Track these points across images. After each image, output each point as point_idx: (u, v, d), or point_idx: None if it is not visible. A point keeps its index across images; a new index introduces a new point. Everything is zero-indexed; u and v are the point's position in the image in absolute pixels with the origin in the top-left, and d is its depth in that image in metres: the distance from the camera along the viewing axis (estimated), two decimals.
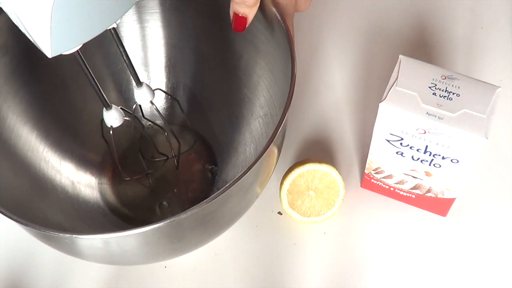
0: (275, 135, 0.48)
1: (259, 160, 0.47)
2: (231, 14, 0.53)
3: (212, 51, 0.62)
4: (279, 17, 0.53)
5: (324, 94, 0.69)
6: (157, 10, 0.62)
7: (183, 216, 0.44)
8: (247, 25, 0.53)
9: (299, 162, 0.60)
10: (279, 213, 0.62)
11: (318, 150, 0.66)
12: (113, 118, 0.53)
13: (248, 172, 0.46)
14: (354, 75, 0.71)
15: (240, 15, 0.52)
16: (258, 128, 0.60)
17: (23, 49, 0.56)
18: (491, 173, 0.63)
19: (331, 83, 0.70)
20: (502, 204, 0.62)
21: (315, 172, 0.59)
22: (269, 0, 0.53)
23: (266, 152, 0.47)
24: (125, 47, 0.51)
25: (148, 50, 0.64)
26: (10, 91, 0.57)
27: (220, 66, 0.62)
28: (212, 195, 0.45)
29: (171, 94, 0.63)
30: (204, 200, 0.45)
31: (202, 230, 0.51)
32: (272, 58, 0.56)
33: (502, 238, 0.60)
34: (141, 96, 0.55)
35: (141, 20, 0.63)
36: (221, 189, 0.45)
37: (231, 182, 0.45)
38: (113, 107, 0.53)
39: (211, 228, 0.52)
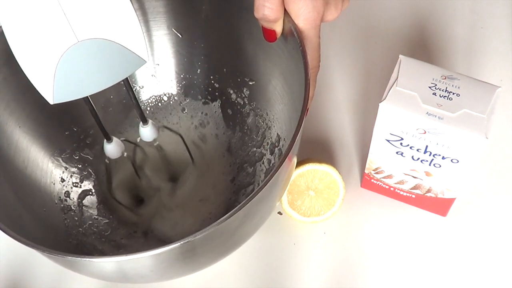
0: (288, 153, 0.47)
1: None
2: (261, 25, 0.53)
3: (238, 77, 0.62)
4: (299, 42, 0.51)
5: (324, 94, 0.69)
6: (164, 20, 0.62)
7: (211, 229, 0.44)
8: (277, 37, 0.53)
9: (299, 162, 0.60)
10: (279, 213, 0.62)
11: (318, 150, 0.66)
12: (112, 151, 0.55)
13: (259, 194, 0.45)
14: (354, 75, 0.70)
15: (267, 28, 0.52)
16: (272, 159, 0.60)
17: None
18: (491, 173, 0.63)
19: (331, 83, 0.70)
20: (502, 204, 0.62)
21: (315, 172, 0.59)
22: (289, 24, 0.52)
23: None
24: (134, 91, 0.52)
25: (157, 60, 0.64)
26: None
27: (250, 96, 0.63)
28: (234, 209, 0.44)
29: (175, 130, 0.63)
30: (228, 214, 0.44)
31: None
32: (295, 88, 0.56)
33: (502, 238, 0.60)
34: (146, 134, 0.56)
35: (148, 29, 0.62)
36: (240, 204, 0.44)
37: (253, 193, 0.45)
38: (114, 140, 0.54)
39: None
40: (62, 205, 0.59)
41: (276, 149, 0.60)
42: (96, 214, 0.60)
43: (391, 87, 0.52)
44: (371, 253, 0.60)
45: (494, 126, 0.50)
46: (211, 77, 0.64)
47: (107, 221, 0.60)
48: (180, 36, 0.62)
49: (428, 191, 0.58)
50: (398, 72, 0.52)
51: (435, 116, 0.50)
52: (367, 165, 0.59)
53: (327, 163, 0.60)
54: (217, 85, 0.64)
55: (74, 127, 0.62)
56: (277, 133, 0.60)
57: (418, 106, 0.50)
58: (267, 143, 0.61)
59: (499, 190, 0.62)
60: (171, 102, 0.65)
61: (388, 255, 0.59)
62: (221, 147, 0.64)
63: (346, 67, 0.71)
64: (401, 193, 0.60)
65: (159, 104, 0.65)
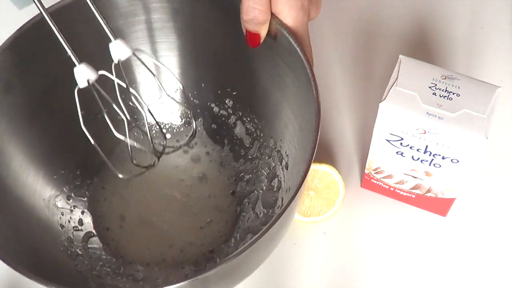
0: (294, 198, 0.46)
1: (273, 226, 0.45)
2: (244, 30, 0.52)
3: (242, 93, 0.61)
4: (291, 41, 0.51)
5: (324, 94, 0.69)
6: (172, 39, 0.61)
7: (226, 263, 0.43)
8: (261, 41, 0.52)
9: None
10: None
11: (318, 150, 0.65)
12: (85, 75, 0.47)
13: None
14: (354, 75, 0.70)
15: (252, 32, 0.52)
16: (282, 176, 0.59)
17: (28, 87, 0.55)
18: (491, 173, 0.63)
19: (331, 83, 0.70)
20: (502, 204, 0.62)
21: (315, 172, 0.59)
22: (276, 25, 0.52)
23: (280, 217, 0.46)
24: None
25: (163, 79, 0.63)
26: (14, 130, 0.55)
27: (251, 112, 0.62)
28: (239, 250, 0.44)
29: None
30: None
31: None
32: (287, 86, 0.55)
33: (502, 238, 0.60)
34: (115, 51, 0.48)
35: (154, 49, 0.61)
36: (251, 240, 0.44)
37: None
38: (83, 64, 0.47)
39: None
40: (69, 252, 0.57)
41: (274, 151, 0.59)
42: (104, 254, 0.59)
43: (391, 87, 0.52)
44: (371, 253, 0.60)
45: (494, 126, 0.50)
46: (190, 94, 0.63)
47: (115, 259, 0.58)
48: (153, 57, 0.58)
49: (428, 191, 0.58)
50: (398, 72, 0.52)
51: (435, 116, 0.50)
52: (367, 165, 0.59)
53: (327, 163, 0.60)
54: (197, 102, 0.63)
55: (61, 170, 0.59)
56: (271, 136, 0.59)
57: (418, 106, 0.50)
58: (262, 147, 0.60)
59: (499, 190, 0.62)
60: (153, 131, 0.64)
61: (388, 255, 0.59)
62: (214, 163, 0.63)
63: (346, 67, 0.71)
64: (401, 193, 0.60)
65: (141, 136, 0.63)
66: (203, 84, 0.62)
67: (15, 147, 0.55)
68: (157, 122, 0.53)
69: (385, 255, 0.59)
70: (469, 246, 0.60)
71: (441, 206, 0.60)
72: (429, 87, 0.51)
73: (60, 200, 0.59)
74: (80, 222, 0.59)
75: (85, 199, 0.60)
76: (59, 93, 0.52)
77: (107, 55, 0.49)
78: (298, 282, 0.58)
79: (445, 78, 0.52)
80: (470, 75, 0.54)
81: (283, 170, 0.57)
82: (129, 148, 0.51)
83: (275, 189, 0.58)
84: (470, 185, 0.62)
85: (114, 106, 0.49)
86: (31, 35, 0.53)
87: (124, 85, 0.49)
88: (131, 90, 0.49)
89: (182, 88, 0.53)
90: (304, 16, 0.52)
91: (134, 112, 0.59)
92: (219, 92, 0.62)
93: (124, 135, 0.48)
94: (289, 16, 0.51)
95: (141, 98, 0.50)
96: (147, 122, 0.53)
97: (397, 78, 0.52)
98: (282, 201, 0.56)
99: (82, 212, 0.60)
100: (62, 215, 0.59)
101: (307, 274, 0.59)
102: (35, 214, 0.56)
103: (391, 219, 0.61)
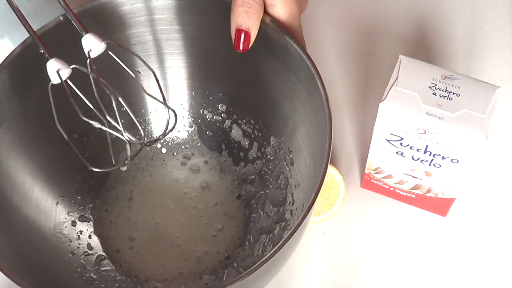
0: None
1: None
2: (233, 31, 0.51)
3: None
4: (288, 38, 0.51)
5: None
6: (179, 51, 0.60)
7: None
8: (251, 43, 0.51)
9: None
10: None
11: None
12: (57, 69, 0.46)
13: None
14: (354, 75, 0.70)
15: (243, 29, 0.50)
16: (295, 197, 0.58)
17: (21, 117, 0.54)
18: (491, 173, 0.63)
19: (331, 83, 0.70)
20: (502, 204, 0.62)
21: None
22: (271, 23, 0.51)
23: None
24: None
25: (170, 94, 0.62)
26: (8, 164, 0.54)
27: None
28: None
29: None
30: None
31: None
32: (297, 96, 0.54)
33: (502, 238, 0.60)
34: (87, 43, 0.48)
35: (162, 62, 0.60)
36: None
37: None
38: (53, 59, 0.46)
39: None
40: (84, 278, 0.56)
41: (276, 149, 0.59)
42: (118, 275, 0.58)
43: (391, 87, 0.52)
44: (371, 253, 0.60)
45: (494, 126, 0.50)
46: (181, 104, 0.62)
47: (130, 279, 0.58)
48: (140, 73, 0.55)
49: (428, 191, 0.58)
50: (398, 72, 0.52)
51: (435, 116, 0.50)
52: (367, 165, 0.59)
53: None
54: (189, 111, 0.62)
55: (62, 196, 0.59)
56: (270, 134, 0.59)
57: (418, 106, 0.50)
58: (263, 147, 0.60)
59: (499, 190, 0.62)
60: (148, 148, 0.63)
61: (388, 255, 0.59)
62: (214, 171, 0.62)
63: (346, 67, 0.71)
64: (401, 193, 0.60)
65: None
66: (193, 93, 0.61)
67: (13, 181, 0.54)
68: (133, 115, 0.50)
69: (385, 255, 0.59)
70: (469, 246, 0.60)
71: (441, 206, 0.60)
72: (429, 87, 0.51)
73: (66, 227, 0.58)
74: (89, 246, 0.58)
75: (90, 223, 0.59)
76: (47, 123, 0.51)
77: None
78: (298, 282, 0.58)
79: (445, 78, 0.52)
80: (470, 75, 0.54)
81: (288, 167, 0.57)
82: (109, 139, 0.51)
83: (282, 186, 0.58)
84: (470, 185, 0.62)
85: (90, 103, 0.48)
86: (16, 66, 0.52)
87: (95, 76, 0.48)
88: (101, 80, 0.48)
89: (153, 73, 0.50)
90: (297, 9, 0.52)
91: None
92: (210, 98, 0.61)
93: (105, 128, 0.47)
94: (284, 8, 0.51)
95: (111, 88, 0.48)
96: (116, 111, 0.49)
97: (397, 78, 0.52)
98: (292, 197, 0.56)
99: (90, 236, 0.59)
100: (70, 242, 0.57)
101: (307, 274, 0.59)
102: (45, 246, 0.55)
103: (391, 219, 0.61)
